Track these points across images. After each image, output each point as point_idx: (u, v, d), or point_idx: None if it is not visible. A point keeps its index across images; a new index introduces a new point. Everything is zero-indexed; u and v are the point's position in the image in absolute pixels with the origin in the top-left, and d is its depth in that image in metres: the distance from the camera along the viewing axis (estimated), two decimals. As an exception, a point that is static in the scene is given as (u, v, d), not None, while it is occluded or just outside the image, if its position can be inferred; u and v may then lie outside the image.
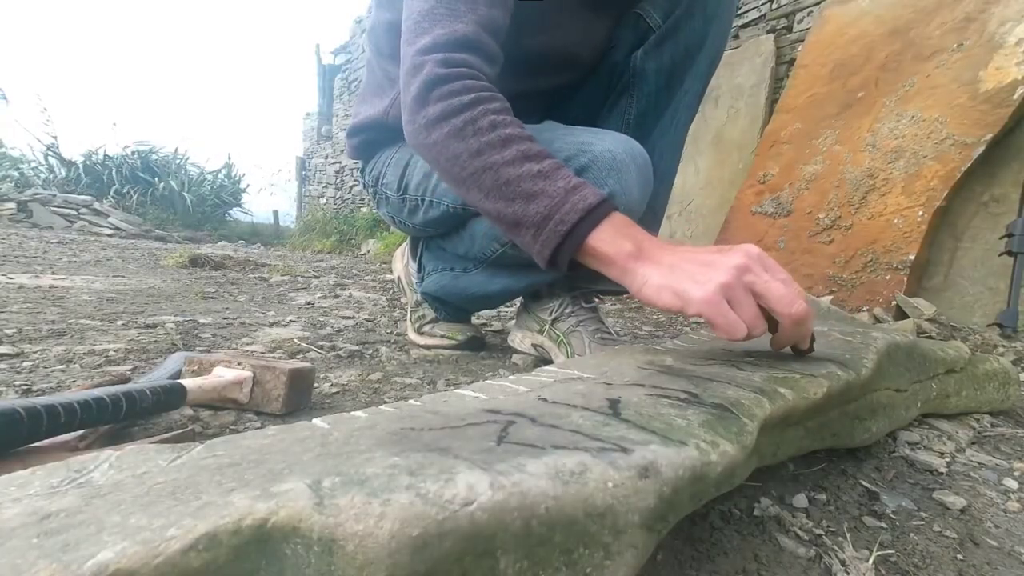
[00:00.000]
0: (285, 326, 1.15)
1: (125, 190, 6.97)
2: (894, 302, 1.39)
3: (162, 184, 7.27)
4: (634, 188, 0.68)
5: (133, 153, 7.72)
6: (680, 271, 0.46)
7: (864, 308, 1.44)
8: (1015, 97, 1.33)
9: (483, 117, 0.57)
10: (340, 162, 7.12)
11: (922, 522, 0.43)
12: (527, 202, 0.54)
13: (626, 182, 0.67)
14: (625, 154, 0.68)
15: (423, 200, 0.84)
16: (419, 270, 1.02)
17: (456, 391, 0.37)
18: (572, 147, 0.68)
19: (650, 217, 0.86)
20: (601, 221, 0.52)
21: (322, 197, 7.59)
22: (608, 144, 0.68)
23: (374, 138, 0.92)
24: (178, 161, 8.13)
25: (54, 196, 5.96)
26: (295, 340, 0.98)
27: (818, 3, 2.09)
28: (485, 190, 0.57)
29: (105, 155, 7.51)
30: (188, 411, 0.57)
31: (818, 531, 0.40)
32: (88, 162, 7.27)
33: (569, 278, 0.89)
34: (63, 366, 0.73)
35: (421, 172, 0.83)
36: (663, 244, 0.50)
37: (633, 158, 0.69)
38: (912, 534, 0.41)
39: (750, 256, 0.44)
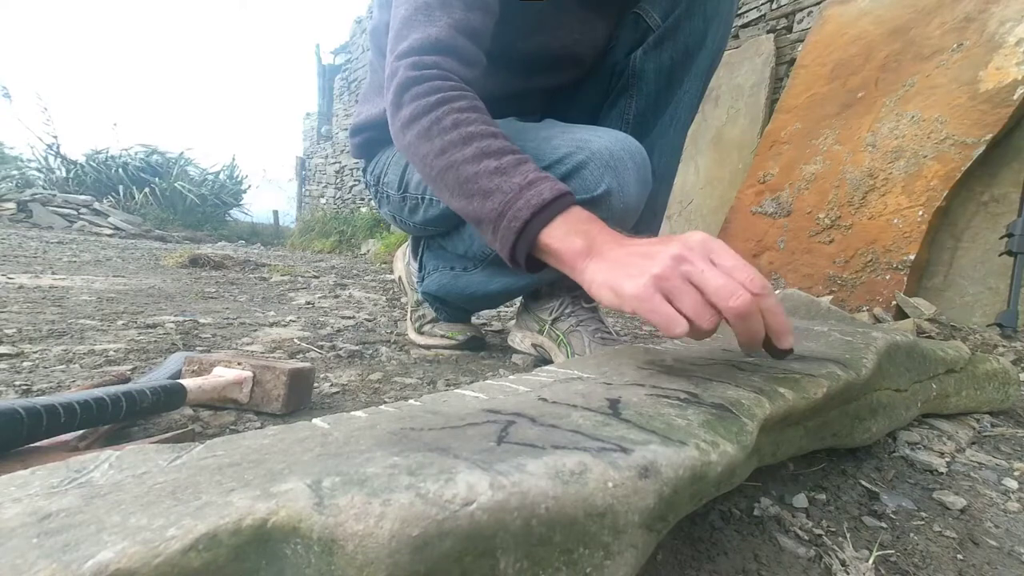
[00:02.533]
0: (285, 326, 1.15)
1: (126, 190, 6.97)
2: (894, 302, 1.39)
3: (163, 184, 7.27)
4: (631, 185, 0.68)
5: (135, 153, 7.73)
6: (620, 266, 0.43)
7: (864, 308, 1.44)
8: (1015, 97, 1.33)
9: (447, 116, 0.57)
10: (340, 162, 7.12)
11: (922, 522, 0.43)
12: (484, 199, 0.54)
13: (623, 179, 0.67)
14: (623, 151, 0.68)
15: (423, 199, 0.84)
16: (420, 270, 1.02)
17: (456, 391, 0.37)
18: (570, 144, 0.68)
19: (650, 216, 0.86)
20: (555, 217, 0.50)
21: (322, 197, 7.59)
22: (605, 141, 0.68)
23: (375, 137, 0.92)
24: (179, 162, 8.13)
25: (54, 196, 5.96)
26: (295, 340, 0.98)
27: (818, 3, 2.09)
28: (450, 188, 0.57)
29: (107, 155, 7.52)
30: (188, 411, 0.57)
31: (818, 531, 0.40)
32: (90, 162, 7.28)
33: (568, 277, 0.89)
34: (63, 366, 0.73)
35: None
36: (617, 238, 0.47)
37: (631, 155, 0.68)
38: (912, 534, 0.41)
39: (688, 245, 0.40)
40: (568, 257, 0.48)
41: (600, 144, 0.67)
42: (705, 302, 0.38)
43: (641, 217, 0.82)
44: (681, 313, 0.38)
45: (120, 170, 7.26)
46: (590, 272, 0.46)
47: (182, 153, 8.34)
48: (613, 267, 0.44)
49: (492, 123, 0.59)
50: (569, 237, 0.49)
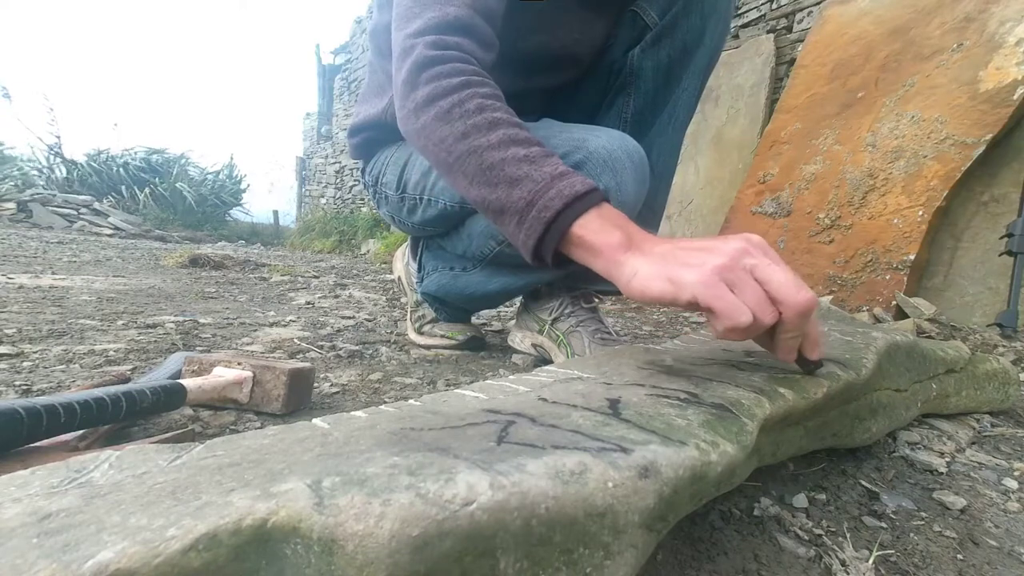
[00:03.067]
0: (285, 326, 1.15)
1: (128, 190, 6.97)
2: (894, 302, 1.39)
3: (163, 184, 7.27)
4: (629, 184, 0.68)
5: (136, 153, 7.73)
6: (673, 259, 0.41)
7: (864, 308, 1.44)
8: (1015, 97, 1.33)
9: (471, 100, 0.55)
10: (340, 162, 7.12)
11: (922, 522, 0.43)
12: (510, 187, 0.51)
13: (621, 178, 0.67)
14: (620, 150, 0.68)
15: (421, 198, 0.84)
16: (419, 270, 1.02)
17: (456, 391, 0.37)
18: (567, 144, 0.68)
19: (649, 216, 0.86)
20: (588, 209, 0.48)
21: (322, 197, 7.59)
22: (603, 140, 0.68)
23: (374, 137, 0.92)
24: (180, 162, 8.13)
25: (54, 196, 5.96)
26: (295, 340, 0.98)
27: (818, 3, 2.09)
28: (470, 175, 0.54)
29: (108, 155, 7.52)
30: (188, 411, 0.57)
31: (818, 531, 0.40)
32: (91, 162, 7.28)
33: (568, 277, 0.89)
34: (63, 366, 0.73)
35: (419, 171, 0.83)
36: (654, 236, 0.47)
37: (628, 154, 0.68)
38: (912, 534, 0.41)
39: (751, 241, 0.40)
40: (606, 250, 0.46)
41: (597, 143, 0.67)
42: (767, 297, 0.37)
43: (640, 216, 0.82)
44: None
45: (120, 170, 7.26)
46: (632, 265, 0.44)
47: (182, 153, 8.35)
48: (663, 260, 0.42)
49: (514, 113, 0.57)
50: (606, 229, 0.47)
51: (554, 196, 0.49)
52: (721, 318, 0.37)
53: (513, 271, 0.84)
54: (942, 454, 0.56)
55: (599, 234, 0.47)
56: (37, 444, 0.41)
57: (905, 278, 1.41)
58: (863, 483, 0.48)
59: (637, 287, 0.43)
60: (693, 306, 0.39)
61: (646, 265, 0.43)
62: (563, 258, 0.51)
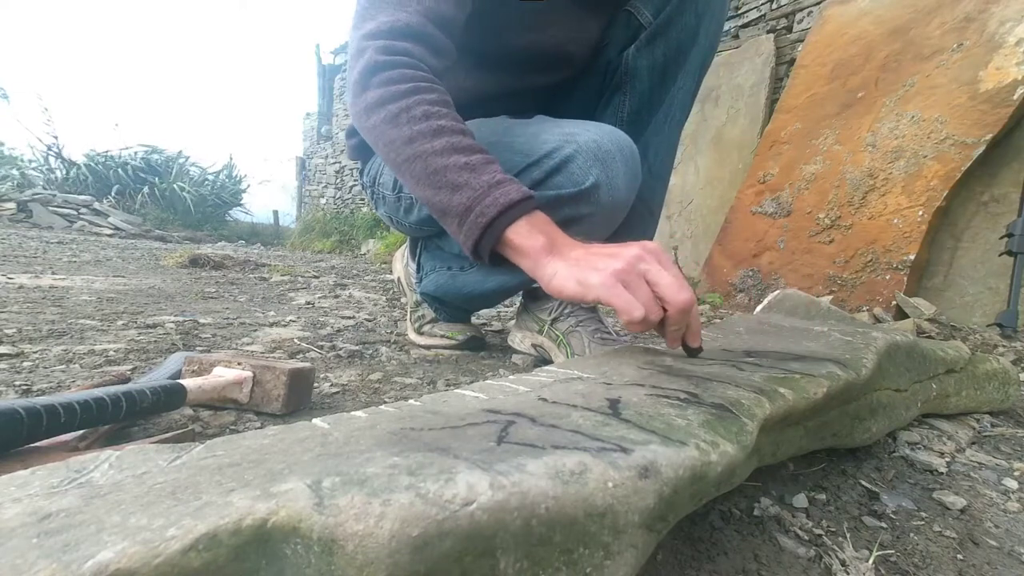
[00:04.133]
0: (285, 326, 1.15)
1: (126, 190, 6.97)
2: (894, 302, 1.39)
3: (163, 184, 7.27)
4: (620, 178, 0.68)
5: (135, 154, 7.73)
6: (584, 263, 0.49)
7: (864, 308, 1.44)
8: (1015, 97, 1.33)
9: (418, 106, 0.58)
10: (340, 162, 7.12)
11: (922, 522, 0.43)
12: (452, 192, 0.56)
13: (611, 172, 0.67)
14: (611, 144, 0.68)
15: (417, 198, 0.84)
16: (418, 270, 1.02)
17: (456, 391, 0.37)
18: (558, 139, 0.68)
19: (647, 215, 0.86)
20: (520, 217, 0.54)
21: (322, 197, 7.59)
22: (593, 135, 0.68)
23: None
24: (180, 161, 8.13)
25: (54, 196, 5.96)
26: (295, 340, 0.98)
27: (818, 3, 2.09)
28: (416, 177, 0.59)
29: (107, 155, 7.52)
30: (188, 411, 0.57)
31: (818, 531, 0.40)
32: (90, 163, 7.28)
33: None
34: (63, 366, 0.73)
35: None
36: (573, 242, 0.53)
37: (619, 148, 0.68)
38: (912, 534, 0.41)
39: (646, 249, 0.47)
40: (532, 252, 0.53)
41: (588, 137, 0.67)
42: (655, 297, 0.45)
43: (638, 215, 0.82)
44: None
45: (120, 170, 7.25)
46: (552, 266, 0.52)
47: (180, 152, 8.34)
48: (577, 263, 0.50)
49: (460, 120, 0.60)
50: (533, 235, 0.54)
51: (490, 204, 0.55)
52: (620, 313, 0.45)
53: (509, 269, 0.84)
54: (942, 454, 0.56)
55: (527, 239, 0.54)
56: (37, 444, 0.41)
57: (905, 278, 1.41)
58: (863, 483, 0.48)
59: (555, 286, 0.51)
60: (599, 302, 0.47)
61: (563, 268, 0.51)
62: (498, 256, 0.58)
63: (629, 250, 0.48)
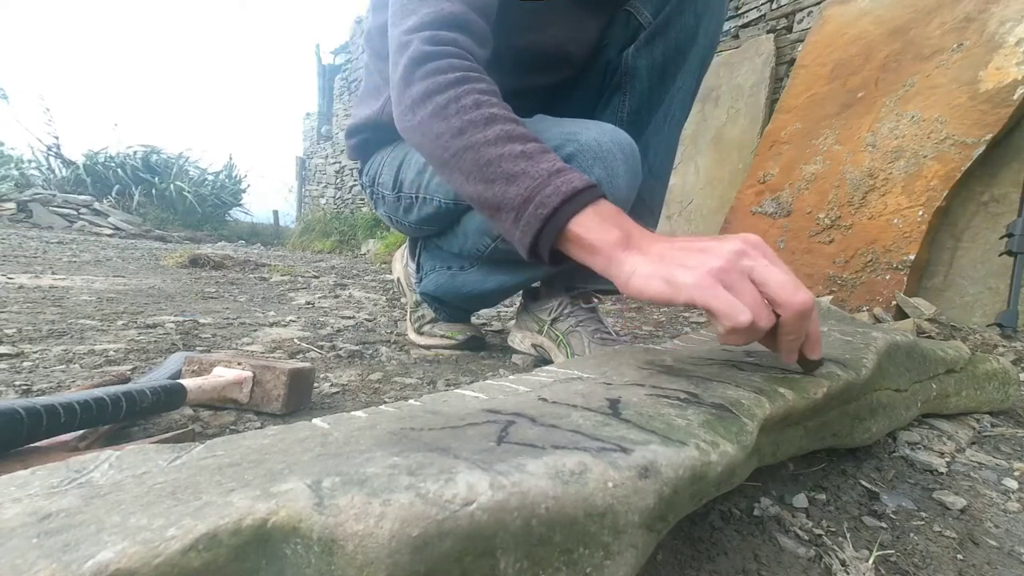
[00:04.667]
0: (285, 326, 1.15)
1: (126, 190, 6.97)
2: (894, 302, 1.39)
3: (163, 184, 7.27)
4: (621, 177, 0.68)
5: (135, 153, 7.73)
6: (671, 258, 0.41)
7: (864, 308, 1.44)
8: (1015, 97, 1.33)
9: (467, 96, 0.54)
10: (340, 162, 7.12)
11: (922, 522, 0.43)
12: (507, 184, 0.51)
13: (613, 171, 0.67)
14: (612, 143, 0.67)
15: (416, 197, 0.84)
16: (418, 270, 1.02)
17: (456, 391, 0.37)
18: (559, 137, 0.68)
19: (647, 214, 0.86)
20: (586, 206, 0.48)
21: (322, 197, 7.59)
22: (594, 133, 0.68)
23: (370, 138, 0.92)
24: (179, 162, 8.13)
25: (54, 196, 5.96)
26: (295, 340, 0.98)
27: (818, 3, 2.09)
28: (466, 171, 0.54)
29: (107, 155, 7.52)
30: (188, 411, 0.57)
31: (818, 531, 0.40)
32: (90, 162, 7.27)
33: (566, 277, 0.89)
34: (63, 366, 0.73)
35: (415, 169, 0.83)
36: (653, 235, 0.46)
37: (620, 147, 0.68)
38: (912, 534, 0.41)
39: (748, 242, 0.40)
40: (604, 247, 0.46)
41: (589, 136, 0.67)
42: (764, 300, 0.37)
43: (639, 215, 0.82)
44: None
45: (119, 170, 7.25)
46: (630, 264, 0.44)
47: (181, 153, 8.34)
48: (661, 259, 0.42)
49: (511, 110, 0.56)
50: (604, 227, 0.46)
51: (551, 193, 0.48)
52: (720, 318, 0.37)
53: (509, 268, 0.84)
54: (942, 454, 0.56)
55: (597, 232, 0.46)
56: (37, 444, 0.41)
57: (905, 278, 1.41)
58: (863, 483, 0.48)
59: (635, 286, 0.43)
60: (691, 305, 0.39)
61: (644, 264, 0.43)
62: (559, 255, 0.51)
63: (727, 244, 0.40)
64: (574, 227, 0.47)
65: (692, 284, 0.38)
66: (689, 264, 0.39)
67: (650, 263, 0.42)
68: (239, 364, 0.59)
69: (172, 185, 7.29)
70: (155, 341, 0.90)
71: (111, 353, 0.80)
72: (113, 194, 6.85)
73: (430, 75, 0.56)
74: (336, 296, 1.79)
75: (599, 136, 0.67)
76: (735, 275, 0.38)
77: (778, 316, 0.38)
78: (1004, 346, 1.10)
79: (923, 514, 0.44)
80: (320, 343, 0.97)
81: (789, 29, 2.26)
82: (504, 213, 0.52)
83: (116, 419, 0.45)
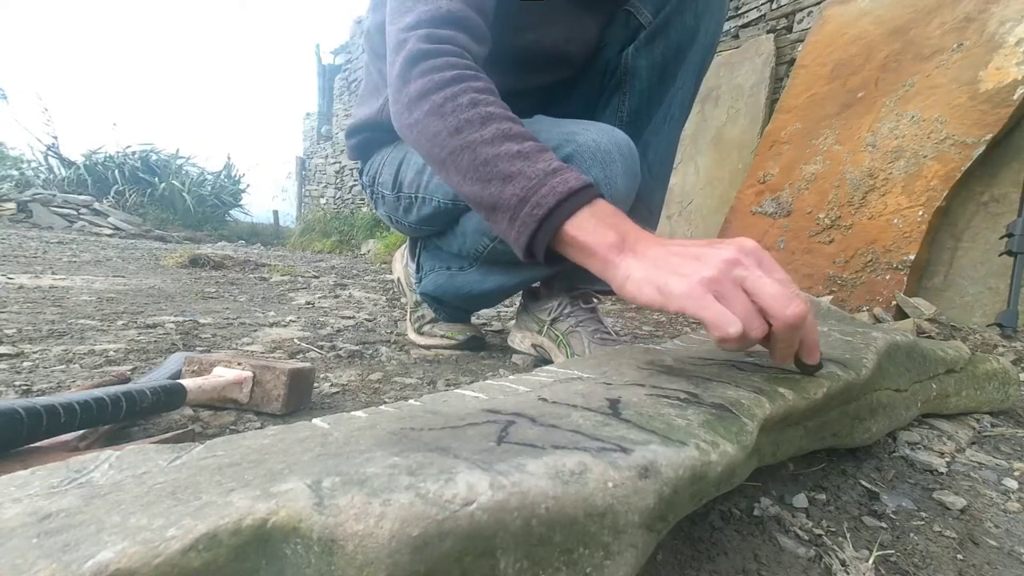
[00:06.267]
0: (285, 326, 1.15)
1: (125, 190, 6.97)
2: (894, 302, 1.39)
3: (162, 184, 7.27)
4: (619, 178, 0.68)
5: (134, 153, 7.73)
6: (665, 264, 0.41)
7: (864, 308, 1.44)
8: (1015, 97, 1.33)
9: (464, 94, 0.54)
10: (340, 162, 7.12)
11: (922, 522, 0.43)
12: (503, 184, 0.50)
13: (611, 172, 0.67)
14: (610, 143, 0.67)
15: (416, 197, 0.84)
16: (417, 270, 1.02)
17: (456, 391, 0.37)
18: (557, 137, 0.67)
19: (646, 214, 0.86)
20: (582, 207, 0.47)
21: (322, 197, 7.59)
22: (593, 134, 0.67)
23: (370, 138, 0.92)
24: (179, 161, 8.13)
25: (54, 196, 5.96)
26: (295, 340, 0.98)
27: (818, 3, 2.09)
28: (463, 171, 0.53)
29: (106, 155, 7.52)
30: (188, 411, 0.57)
31: (818, 531, 0.40)
32: (89, 162, 7.28)
33: (566, 277, 0.89)
34: (63, 366, 0.73)
35: (414, 169, 0.83)
36: (650, 236, 0.45)
37: (619, 148, 0.68)
38: (912, 534, 0.41)
39: (743, 250, 0.39)
40: (599, 250, 0.45)
41: (587, 137, 0.67)
42: (756, 309, 0.37)
43: (638, 215, 0.82)
44: None
45: (119, 170, 7.25)
46: (625, 267, 0.43)
47: (178, 150, 8.34)
48: (655, 264, 0.42)
49: (508, 108, 0.56)
50: (600, 229, 0.46)
51: (547, 193, 0.48)
52: (710, 328, 0.37)
53: (508, 269, 0.84)
54: (942, 454, 0.56)
55: (592, 234, 0.46)
56: (37, 444, 0.41)
57: (905, 278, 1.41)
58: (863, 483, 0.48)
59: (629, 291, 0.43)
60: (683, 313, 0.39)
61: (639, 269, 0.42)
62: (556, 255, 0.50)
63: (721, 251, 0.39)
64: (569, 228, 0.47)
65: (683, 294, 0.38)
66: (682, 272, 0.39)
67: (644, 268, 0.42)
68: (239, 364, 0.59)
69: (172, 185, 7.29)
70: (155, 341, 0.90)
71: (111, 353, 0.80)
72: (113, 194, 6.85)
73: (426, 73, 0.56)
74: (336, 296, 1.79)
75: (597, 137, 0.67)
76: (727, 284, 0.38)
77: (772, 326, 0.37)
78: (1004, 346, 1.10)
79: (923, 514, 0.44)
80: (320, 343, 0.97)
81: (789, 29, 2.26)
82: (500, 213, 0.52)
83: (116, 419, 0.45)
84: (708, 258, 0.39)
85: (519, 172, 0.50)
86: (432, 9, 0.59)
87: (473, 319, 1.14)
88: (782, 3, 2.28)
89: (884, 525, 0.42)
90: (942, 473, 0.52)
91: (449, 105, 0.54)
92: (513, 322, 1.04)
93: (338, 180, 7.21)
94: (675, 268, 0.40)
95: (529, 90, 0.88)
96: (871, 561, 0.36)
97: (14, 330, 0.91)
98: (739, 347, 0.38)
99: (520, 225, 0.50)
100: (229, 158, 8.81)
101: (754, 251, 0.39)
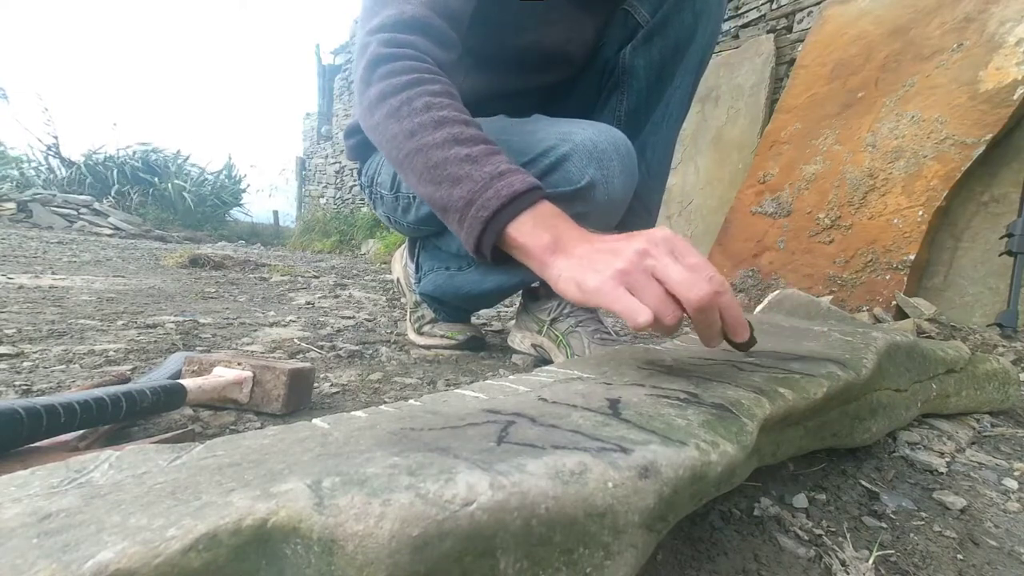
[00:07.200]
0: (285, 326, 1.15)
1: (126, 190, 6.97)
2: (894, 302, 1.39)
3: (163, 184, 7.27)
4: (616, 177, 0.68)
5: (134, 153, 7.73)
6: (587, 262, 0.43)
7: (864, 308, 1.44)
8: (1015, 97, 1.33)
9: (419, 98, 0.56)
10: (340, 162, 7.11)
11: (922, 522, 0.43)
12: (452, 186, 0.52)
13: (608, 171, 0.67)
14: (607, 143, 0.67)
15: (414, 197, 0.84)
16: (417, 270, 1.02)
17: (456, 391, 0.37)
18: (554, 137, 0.68)
19: (644, 214, 0.86)
20: (524, 210, 0.49)
21: (322, 197, 7.59)
22: (589, 133, 0.68)
23: (368, 138, 0.92)
24: (179, 161, 8.13)
25: (54, 196, 5.96)
26: (295, 340, 0.98)
27: (818, 3, 2.09)
28: (417, 173, 0.55)
29: (106, 155, 7.52)
30: (188, 411, 0.57)
31: (818, 531, 0.40)
32: (89, 162, 7.27)
33: None
34: (63, 366, 0.73)
35: None
36: (584, 235, 0.47)
37: (615, 147, 0.68)
38: (912, 534, 0.41)
39: (652, 240, 0.41)
40: (535, 252, 0.48)
41: (584, 136, 0.67)
42: (667, 296, 0.39)
43: (636, 215, 0.82)
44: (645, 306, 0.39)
45: (119, 170, 7.25)
46: (557, 268, 0.46)
47: (178, 150, 8.33)
48: (579, 262, 0.44)
49: (465, 111, 0.57)
50: (536, 231, 0.48)
51: (492, 196, 0.50)
52: (624, 319, 0.39)
53: (507, 269, 0.84)
54: (942, 454, 0.56)
55: (530, 236, 0.48)
56: (37, 444, 0.41)
57: (905, 278, 1.41)
58: (863, 483, 0.48)
59: (561, 289, 0.45)
60: (597, 306, 0.41)
61: (567, 268, 0.45)
62: (505, 254, 0.53)
63: (632, 243, 0.41)
64: (511, 231, 0.50)
65: (596, 288, 0.40)
66: (597, 267, 0.41)
67: (571, 267, 0.44)
68: (239, 364, 0.59)
69: (172, 185, 7.29)
70: (155, 341, 0.90)
71: (111, 353, 0.80)
72: (113, 194, 6.85)
73: (385, 77, 0.58)
74: (336, 296, 1.79)
75: (595, 136, 0.67)
76: (637, 275, 0.39)
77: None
78: (1004, 346, 1.10)
79: (923, 514, 0.44)
80: (320, 343, 0.97)
81: (789, 29, 2.25)
82: (451, 214, 0.54)
83: (116, 419, 0.45)
84: (621, 251, 0.41)
85: (467, 175, 0.52)
86: (396, 14, 0.61)
87: (473, 319, 1.14)
88: (782, 3, 2.28)
89: (884, 525, 0.42)
90: (942, 473, 0.52)
91: (405, 108, 0.56)
92: (513, 322, 1.04)
93: (338, 180, 7.20)
94: (593, 264, 0.42)
95: (529, 90, 0.88)
96: (871, 561, 0.36)
97: (14, 330, 0.91)
98: (662, 333, 0.39)
99: (468, 227, 0.52)
100: (229, 158, 8.82)
101: (664, 239, 0.41)
